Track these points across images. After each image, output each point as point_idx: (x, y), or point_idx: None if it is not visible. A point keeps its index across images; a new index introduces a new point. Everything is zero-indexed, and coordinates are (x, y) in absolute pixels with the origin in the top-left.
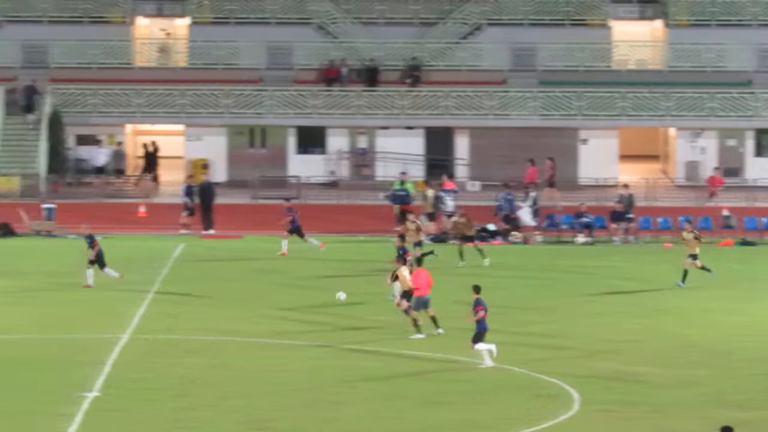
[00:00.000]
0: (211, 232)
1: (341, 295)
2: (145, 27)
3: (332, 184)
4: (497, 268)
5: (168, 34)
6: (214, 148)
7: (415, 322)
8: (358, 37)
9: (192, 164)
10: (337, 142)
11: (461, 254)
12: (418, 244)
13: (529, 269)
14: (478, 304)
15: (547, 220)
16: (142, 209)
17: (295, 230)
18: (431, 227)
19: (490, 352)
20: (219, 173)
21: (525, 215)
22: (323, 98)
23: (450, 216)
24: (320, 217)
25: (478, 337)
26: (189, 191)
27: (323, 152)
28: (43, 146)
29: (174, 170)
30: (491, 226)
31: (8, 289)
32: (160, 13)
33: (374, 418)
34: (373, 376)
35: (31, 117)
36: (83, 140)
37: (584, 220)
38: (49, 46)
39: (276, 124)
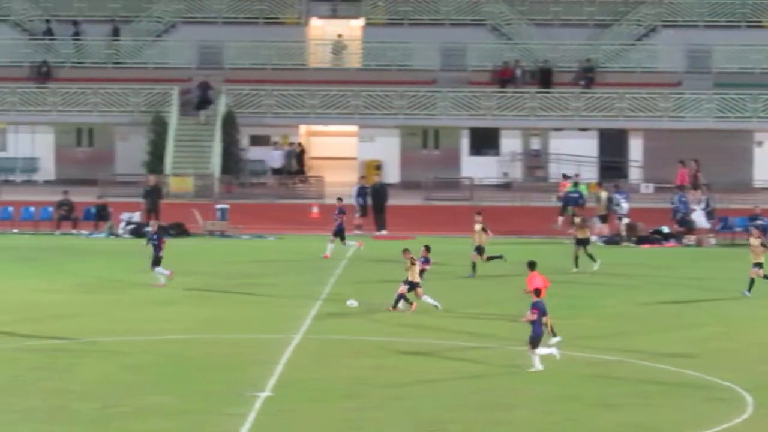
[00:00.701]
0: (384, 233)
1: (352, 303)
2: (319, 28)
3: (505, 186)
4: (668, 269)
5: (341, 35)
6: (387, 150)
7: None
8: (532, 38)
9: (365, 165)
10: (510, 143)
11: (576, 260)
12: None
13: (702, 271)
14: (534, 307)
15: (721, 222)
16: (315, 210)
17: (339, 233)
18: (604, 229)
19: (551, 355)
20: (392, 174)
21: (699, 217)
22: (497, 99)
23: (622, 218)
24: (493, 219)
25: (534, 342)
26: (361, 192)
27: (496, 154)
28: (216, 147)
29: (347, 171)
30: (665, 229)
31: (182, 288)
32: (334, 15)
33: (547, 421)
34: (543, 378)
35: (204, 113)
36: (257, 141)
37: (758, 222)
38: (224, 47)
39: (449, 126)
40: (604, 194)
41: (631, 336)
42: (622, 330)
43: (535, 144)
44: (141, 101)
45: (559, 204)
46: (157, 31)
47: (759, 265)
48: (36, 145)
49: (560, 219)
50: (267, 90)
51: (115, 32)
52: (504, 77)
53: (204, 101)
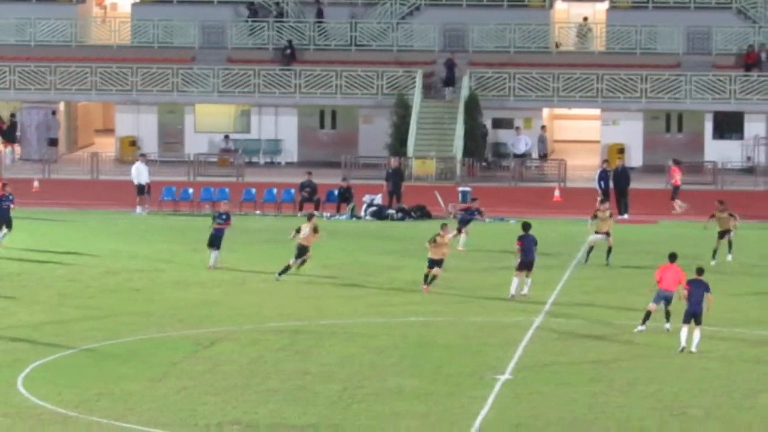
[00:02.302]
0: (626, 217)
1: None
2: (564, 11)
3: (749, 170)
4: None
5: (586, 18)
6: (630, 133)
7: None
8: None
9: (608, 149)
10: (754, 127)
11: (714, 252)
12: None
13: None
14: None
15: None
16: (557, 193)
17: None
18: None
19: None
20: (635, 158)
21: None
22: (741, 83)
23: None
24: (738, 204)
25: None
26: (603, 176)
27: (740, 138)
28: (459, 130)
29: (590, 155)
30: None
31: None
32: None
33: None
34: None
35: (450, 90)
36: (499, 124)
37: None
38: (468, 30)
39: (693, 109)
40: None
41: None
42: None
43: None
44: (384, 84)
45: None
46: (402, 13)
47: None
48: (279, 127)
49: None
50: (510, 73)
51: (353, 15)
52: (749, 61)
53: (450, 78)
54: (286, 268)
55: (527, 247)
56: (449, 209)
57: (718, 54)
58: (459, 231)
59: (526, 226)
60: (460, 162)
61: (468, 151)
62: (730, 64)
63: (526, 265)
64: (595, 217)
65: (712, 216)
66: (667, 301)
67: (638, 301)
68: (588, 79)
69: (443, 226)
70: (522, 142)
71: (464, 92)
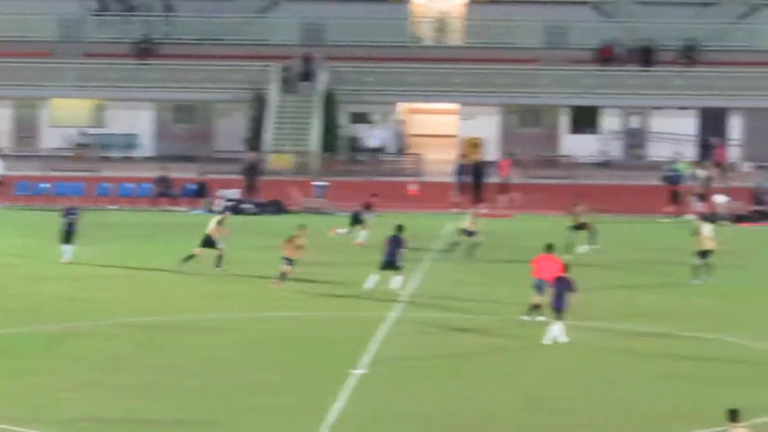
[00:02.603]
0: (483, 210)
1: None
2: (422, 5)
3: (604, 164)
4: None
5: (445, 12)
6: (487, 128)
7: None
8: (635, 16)
9: (465, 143)
10: (610, 122)
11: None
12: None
13: None
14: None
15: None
16: (413, 187)
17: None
18: (702, 208)
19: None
20: (491, 152)
21: None
22: (597, 78)
23: None
24: (592, 197)
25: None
26: (461, 170)
27: (596, 132)
28: (316, 124)
29: (447, 149)
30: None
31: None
32: None
33: (646, 399)
34: (643, 356)
35: (306, 84)
36: (358, 118)
37: None
38: (326, 25)
39: (550, 104)
40: (702, 173)
41: (729, 315)
42: (719, 309)
43: (635, 123)
44: (242, 78)
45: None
46: (260, 7)
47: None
48: (136, 121)
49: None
50: (368, 67)
51: (212, 9)
52: (605, 56)
53: (307, 73)
54: (190, 257)
55: (389, 248)
56: (303, 203)
57: (575, 49)
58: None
59: (396, 228)
60: (317, 157)
61: (325, 146)
62: (586, 58)
63: (386, 265)
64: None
65: (573, 210)
66: (541, 290)
67: (495, 294)
68: (446, 73)
69: (301, 227)
70: (376, 137)
71: (322, 87)
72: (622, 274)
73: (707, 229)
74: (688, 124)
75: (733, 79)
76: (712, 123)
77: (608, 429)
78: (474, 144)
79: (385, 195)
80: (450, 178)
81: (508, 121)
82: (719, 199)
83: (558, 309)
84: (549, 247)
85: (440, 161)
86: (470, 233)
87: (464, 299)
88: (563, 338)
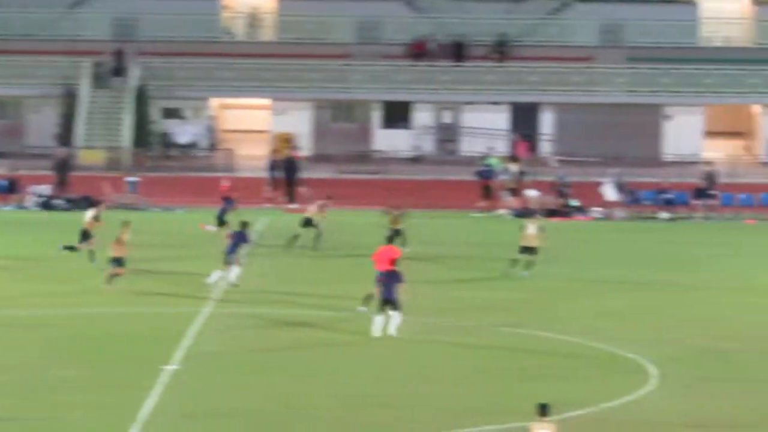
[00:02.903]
0: (295, 206)
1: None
2: (233, 1)
3: (417, 159)
4: (578, 242)
5: (257, 8)
6: (299, 123)
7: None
8: (447, 12)
9: (277, 138)
10: (422, 117)
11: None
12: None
13: (613, 244)
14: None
15: (630, 196)
16: (225, 183)
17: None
18: (514, 202)
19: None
20: (304, 148)
21: (608, 190)
22: (410, 73)
23: None
24: (404, 192)
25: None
26: (273, 165)
27: (409, 127)
28: (128, 119)
29: (260, 144)
30: (574, 202)
31: (89, 261)
32: None
33: (460, 394)
34: (458, 351)
35: (117, 80)
36: (170, 114)
37: (666, 196)
38: (138, 20)
39: (362, 99)
40: (513, 167)
41: (544, 309)
42: (535, 303)
43: (447, 117)
44: (52, 73)
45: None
46: (70, 2)
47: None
48: None
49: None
50: (180, 62)
51: (22, 4)
52: (418, 51)
53: (119, 68)
54: (71, 247)
55: (231, 244)
56: (113, 198)
57: (387, 44)
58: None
59: (241, 224)
60: (129, 152)
61: (137, 142)
62: (399, 54)
63: (227, 261)
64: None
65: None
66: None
67: (314, 289)
68: (258, 68)
69: (124, 224)
70: (187, 132)
71: (133, 82)
72: (438, 268)
73: (532, 226)
74: (500, 119)
75: (545, 74)
76: (524, 118)
77: (424, 423)
78: (286, 139)
79: (197, 191)
80: (263, 174)
81: (320, 116)
82: (531, 193)
83: (389, 301)
84: (390, 240)
85: (253, 157)
86: (307, 223)
87: (283, 293)
88: (393, 330)
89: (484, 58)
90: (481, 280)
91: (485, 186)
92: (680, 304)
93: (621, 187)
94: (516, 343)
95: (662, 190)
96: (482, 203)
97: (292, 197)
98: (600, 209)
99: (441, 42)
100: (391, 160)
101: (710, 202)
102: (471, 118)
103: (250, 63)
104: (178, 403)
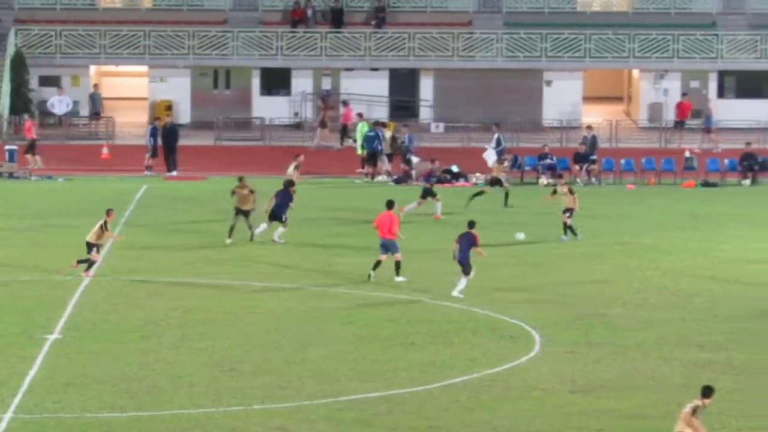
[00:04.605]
0: (175, 173)
1: (520, 236)
2: None
3: (296, 126)
4: (459, 209)
5: None
6: (178, 90)
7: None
8: None
9: (156, 106)
10: (301, 83)
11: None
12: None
13: (494, 211)
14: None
15: (512, 161)
16: (105, 151)
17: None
18: (391, 168)
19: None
20: (183, 115)
21: (490, 156)
22: (288, 40)
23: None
24: (285, 158)
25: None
26: (153, 133)
27: (288, 94)
28: (5, 87)
29: (138, 112)
30: (455, 168)
31: None
32: None
33: (341, 360)
34: (340, 318)
35: None
36: (47, 82)
37: (547, 161)
38: None
39: (240, 66)
40: (388, 133)
41: (425, 276)
42: (418, 270)
43: (327, 84)
44: None
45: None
46: None
47: (569, 211)
48: None
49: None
50: (57, 30)
51: None
52: (296, 17)
53: None
54: None
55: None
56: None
57: (264, 10)
58: None
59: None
60: (7, 120)
61: (14, 110)
62: (277, 20)
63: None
64: (554, 192)
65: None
66: (385, 249)
67: (190, 257)
68: (135, 35)
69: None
70: (63, 102)
71: (11, 50)
72: (321, 233)
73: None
74: (379, 85)
75: (423, 40)
76: (404, 84)
77: (292, 389)
78: (166, 107)
79: (78, 159)
80: (142, 141)
81: (199, 83)
82: (412, 159)
83: (461, 263)
84: (389, 205)
85: (132, 124)
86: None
87: (158, 262)
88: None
89: (363, 24)
90: (362, 248)
91: (370, 153)
92: (563, 270)
93: (502, 153)
94: (398, 309)
95: (543, 155)
96: (364, 170)
97: (171, 165)
98: (481, 175)
99: (319, 8)
100: (270, 126)
101: (591, 166)
102: (350, 84)
103: (127, 30)
104: (59, 372)
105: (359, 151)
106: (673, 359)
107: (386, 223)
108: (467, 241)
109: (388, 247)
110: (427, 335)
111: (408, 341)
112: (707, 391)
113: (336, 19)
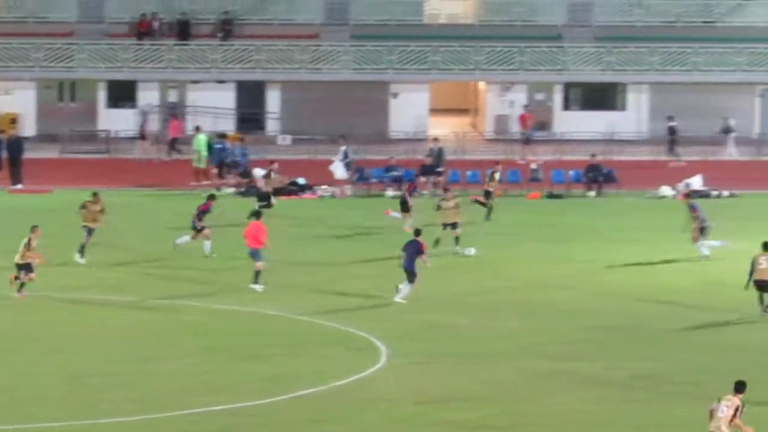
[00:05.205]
0: (20, 186)
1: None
2: None
3: (143, 138)
4: (308, 221)
5: None
6: (23, 103)
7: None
8: None
9: (0, 119)
10: (147, 96)
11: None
12: None
13: (342, 224)
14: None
15: (357, 173)
16: None
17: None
18: (233, 180)
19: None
20: (28, 128)
21: (337, 168)
22: (134, 52)
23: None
24: (131, 171)
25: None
26: None
27: (134, 106)
28: None
29: None
30: (301, 180)
31: None
32: None
33: (190, 373)
34: (190, 330)
35: None
36: None
37: (394, 173)
38: None
39: (86, 78)
40: (228, 145)
41: (276, 288)
42: (273, 283)
43: (173, 96)
44: None
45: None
46: None
47: (453, 225)
48: None
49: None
50: None
51: None
52: (142, 30)
53: None
54: None
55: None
56: None
57: (111, 22)
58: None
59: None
60: None
61: None
62: (123, 32)
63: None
64: (439, 208)
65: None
66: (252, 257)
67: (39, 270)
68: None
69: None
70: None
71: None
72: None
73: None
74: (226, 98)
75: (270, 52)
76: (251, 96)
77: (142, 402)
78: (11, 119)
79: None
80: None
81: (44, 95)
82: (258, 172)
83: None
84: (257, 215)
85: None
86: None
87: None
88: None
89: (210, 36)
90: (210, 260)
91: (218, 165)
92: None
93: (349, 165)
94: (246, 321)
95: (390, 168)
96: (197, 182)
97: (16, 178)
98: (328, 187)
99: (166, 20)
100: (116, 139)
101: (438, 179)
102: (197, 96)
103: None
104: None
105: (196, 164)
106: (523, 369)
107: (253, 232)
108: (414, 249)
109: (253, 256)
110: (274, 348)
111: (256, 354)
112: (740, 387)
113: (183, 31)
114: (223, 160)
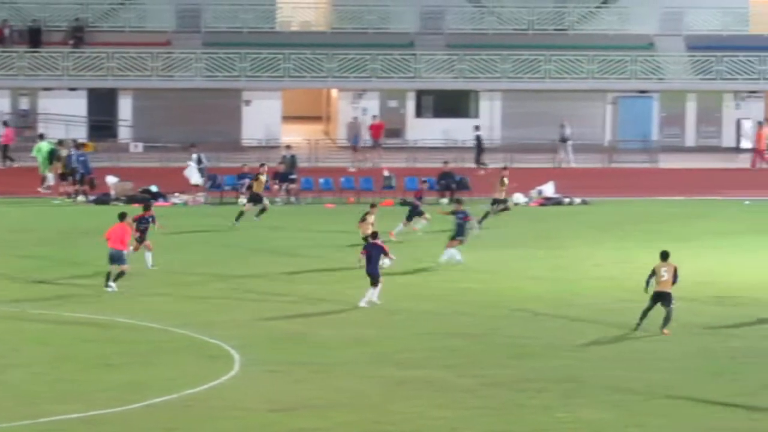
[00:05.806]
0: None
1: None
2: None
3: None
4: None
5: None
6: None
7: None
8: None
9: None
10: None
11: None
12: None
13: (196, 231)
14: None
15: (210, 180)
16: None
17: None
18: (69, 187)
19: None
20: None
21: (192, 173)
22: None
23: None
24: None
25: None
26: None
27: None
28: None
29: None
30: (154, 188)
31: None
32: None
33: (39, 381)
34: (37, 338)
35: None
36: None
37: (246, 181)
38: None
39: None
40: (64, 152)
41: (124, 296)
42: (117, 292)
43: (24, 104)
44: None
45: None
46: None
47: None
48: None
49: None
50: None
51: None
52: None
53: None
54: None
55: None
56: None
57: None
58: None
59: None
60: None
61: None
62: None
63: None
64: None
65: None
66: (113, 259)
67: None
68: None
69: None
70: None
71: None
72: (18, 253)
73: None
74: (78, 105)
75: (122, 60)
76: (102, 103)
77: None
78: None
79: None
80: None
81: None
82: (110, 179)
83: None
84: (122, 216)
85: None
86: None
87: None
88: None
89: (61, 43)
90: (61, 266)
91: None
92: (260, 290)
93: (203, 171)
94: (96, 329)
95: (243, 175)
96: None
97: None
98: (181, 195)
99: (17, 27)
100: None
101: (290, 186)
102: (48, 104)
103: None
104: None
105: (42, 171)
106: (371, 377)
107: (118, 233)
108: (378, 252)
109: (115, 258)
110: (125, 355)
111: (107, 362)
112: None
113: (34, 38)
114: (75, 168)
